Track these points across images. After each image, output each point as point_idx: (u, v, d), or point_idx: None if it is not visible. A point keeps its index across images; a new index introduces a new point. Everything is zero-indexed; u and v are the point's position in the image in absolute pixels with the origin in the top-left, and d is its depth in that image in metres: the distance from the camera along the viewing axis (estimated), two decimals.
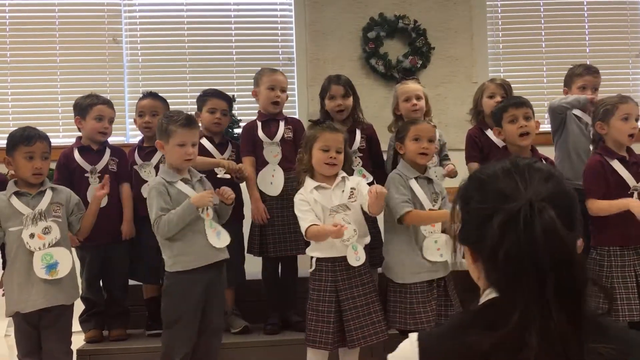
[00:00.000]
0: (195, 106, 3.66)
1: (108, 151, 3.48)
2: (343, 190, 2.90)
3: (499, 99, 3.55)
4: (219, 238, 2.97)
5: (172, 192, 2.94)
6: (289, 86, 3.78)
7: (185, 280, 2.92)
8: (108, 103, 3.52)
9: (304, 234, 2.89)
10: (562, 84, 3.80)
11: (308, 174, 2.95)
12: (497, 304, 1.03)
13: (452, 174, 3.43)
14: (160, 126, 3.01)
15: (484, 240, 1.04)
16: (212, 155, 3.48)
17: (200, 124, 3.51)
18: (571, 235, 1.01)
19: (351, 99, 3.54)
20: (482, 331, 0.99)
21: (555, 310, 0.96)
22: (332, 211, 2.85)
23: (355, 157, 3.46)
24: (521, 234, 0.98)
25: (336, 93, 3.51)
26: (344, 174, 2.96)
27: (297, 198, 2.94)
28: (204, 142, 3.48)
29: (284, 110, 3.66)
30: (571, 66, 3.77)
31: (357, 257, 2.83)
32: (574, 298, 0.99)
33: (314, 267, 2.91)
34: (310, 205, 2.88)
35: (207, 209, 2.94)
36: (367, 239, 2.97)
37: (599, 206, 2.99)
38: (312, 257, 2.92)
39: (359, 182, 2.97)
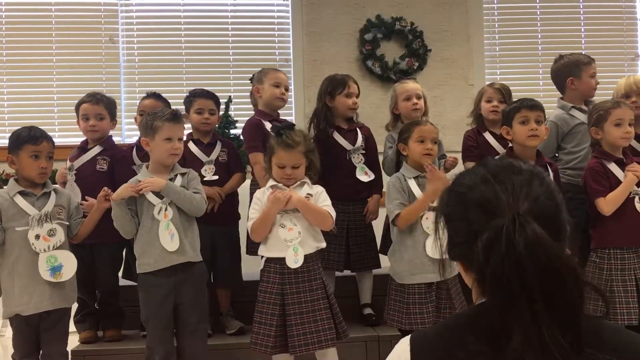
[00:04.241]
0: None
1: (95, 150, 3.43)
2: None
3: (495, 103, 3.55)
4: (172, 240, 2.89)
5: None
6: None
7: (148, 282, 2.92)
8: (92, 100, 3.43)
9: (250, 234, 2.90)
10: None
11: (271, 178, 2.94)
12: (489, 310, 1.00)
13: (454, 165, 3.44)
14: (145, 123, 2.97)
15: (472, 261, 1.02)
16: (197, 158, 3.46)
17: (189, 125, 3.52)
18: (558, 244, 0.98)
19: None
20: (478, 342, 0.97)
21: (549, 330, 0.93)
22: (281, 211, 2.83)
23: (358, 155, 3.49)
24: (504, 254, 0.95)
25: (354, 92, 3.55)
26: (306, 180, 2.93)
27: (255, 195, 2.96)
28: (190, 145, 3.46)
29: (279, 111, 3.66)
30: (560, 56, 3.72)
31: (295, 260, 2.79)
32: (569, 309, 0.96)
33: (262, 267, 2.89)
34: (262, 204, 2.87)
35: (165, 209, 2.90)
36: (321, 245, 2.92)
37: (609, 200, 2.99)
38: (262, 257, 2.91)
39: (319, 192, 2.92)
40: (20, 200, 2.86)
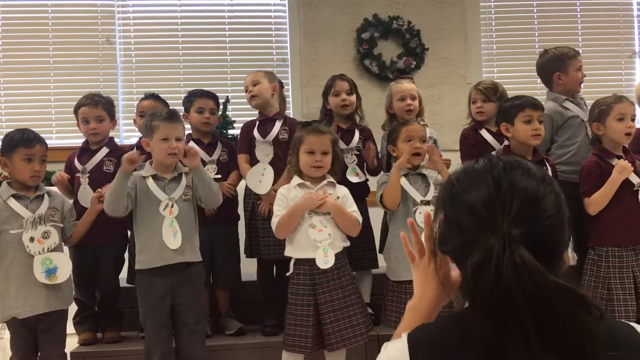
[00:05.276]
0: None
1: (103, 151, 3.44)
2: (330, 194, 2.91)
3: (479, 104, 3.55)
4: (175, 238, 2.89)
5: (141, 185, 2.93)
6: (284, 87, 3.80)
7: (145, 281, 2.92)
8: (90, 102, 3.42)
9: (274, 230, 2.91)
10: None
11: (297, 174, 2.98)
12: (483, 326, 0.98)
13: (447, 167, 3.45)
14: (145, 124, 3.00)
15: (462, 275, 1.02)
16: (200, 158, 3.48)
17: (189, 125, 3.53)
18: (550, 268, 0.96)
19: (355, 96, 3.57)
20: (476, 350, 0.96)
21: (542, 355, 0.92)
22: (311, 211, 2.86)
23: (351, 155, 3.49)
24: (493, 284, 0.94)
25: (341, 89, 3.55)
26: (332, 179, 2.97)
27: (279, 192, 2.98)
28: (191, 144, 3.46)
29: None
30: (544, 51, 3.69)
31: (325, 260, 2.83)
32: (567, 332, 0.94)
33: (292, 271, 2.91)
34: (289, 201, 2.89)
35: (172, 206, 2.91)
36: (347, 244, 2.97)
37: (595, 200, 3.02)
38: (290, 261, 2.93)
39: (346, 195, 2.97)
40: (13, 203, 2.86)
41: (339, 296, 2.85)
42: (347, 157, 3.49)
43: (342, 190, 2.99)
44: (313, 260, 2.84)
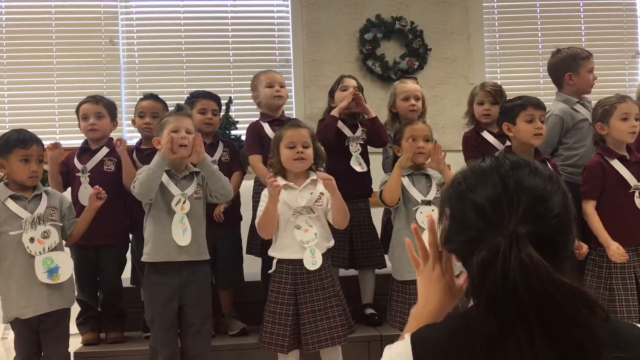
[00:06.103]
0: None
1: (104, 151, 3.45)
2: (311, 193, 2.88)
3: (487, 106, 3.54)
4: (184, 235, 2.90)
5: None
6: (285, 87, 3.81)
7: (153, 282, 2.93)
8: (92, 100, 3.45)
9: (257, 228, 2.90)
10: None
11: (280, 174, 2.94)
12: (486, 323, 0.98)
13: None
14: (157, 126, 3.05)
15: (468, 271, 1.02)
16: None
17: None
18: (556, 266, 0.95)
19: (361, 95, 3.58)
20: (480, 349, 0.96)
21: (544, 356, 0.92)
22: (296, 212, 2.84)
23: (356, 144, 3.51)
24: (499, 281, 0.94)
25: (349, 84, 3.58)
26: (315, 177, 2.94)
27: (262, 194, 2.95)
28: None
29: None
30: (557, 50, 3.68)
31: (313, 261, 2.80)
32: (572, 333, 0.93)
33: (274, 269, 2.90)
34: None
35: (184, 202, 2.92)
36: (330, 244, 2.95)
37: (590, 219, 3.02)
38: (273, 259, 2.91)
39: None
40: (11, 204, 2.86)
41: (319, 297, 2.82)
42: (352, 145, 3.51)
43: None
44: (295, 260, 2.82)
